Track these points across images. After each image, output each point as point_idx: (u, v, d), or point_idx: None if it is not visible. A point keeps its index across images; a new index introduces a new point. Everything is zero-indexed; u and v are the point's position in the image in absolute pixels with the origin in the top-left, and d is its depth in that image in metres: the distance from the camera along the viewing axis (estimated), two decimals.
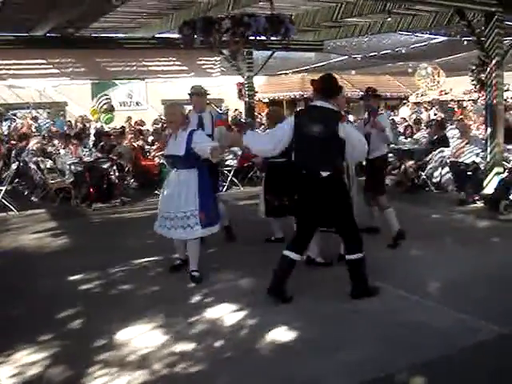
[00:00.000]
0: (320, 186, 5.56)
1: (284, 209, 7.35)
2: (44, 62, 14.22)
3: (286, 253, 5.70)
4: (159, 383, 4.22)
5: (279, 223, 7.89)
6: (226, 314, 5.47)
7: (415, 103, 23.57)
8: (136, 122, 20.24)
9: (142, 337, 5.00)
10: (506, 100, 15.80)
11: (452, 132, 13.64)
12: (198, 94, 7.52)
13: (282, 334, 4.94)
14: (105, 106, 20.04)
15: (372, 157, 7.44)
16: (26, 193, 12.89)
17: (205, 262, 6.81)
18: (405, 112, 22.99)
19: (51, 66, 14.39)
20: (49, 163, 12.57)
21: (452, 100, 23.21)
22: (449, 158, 11.45)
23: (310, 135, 5.53)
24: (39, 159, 12.54)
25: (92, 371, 4.37)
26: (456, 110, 22.09)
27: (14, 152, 14.20)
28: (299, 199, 5.85)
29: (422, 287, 6.07)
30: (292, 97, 26.29)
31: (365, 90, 8.24)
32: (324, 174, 5.51)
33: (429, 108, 22.62)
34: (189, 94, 7.54)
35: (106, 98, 20.88)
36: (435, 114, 21.44)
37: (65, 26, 12.00)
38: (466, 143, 11.27)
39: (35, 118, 21.37)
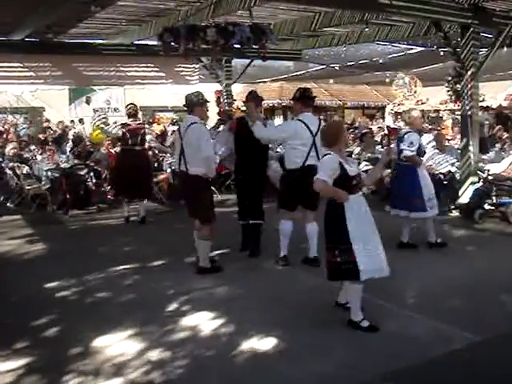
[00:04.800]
0: None
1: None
2: (21, 66, 14.09)
3: None
4: None
5: None
6: (203, 321, 5.47)
7: (398, 112, 23.71)
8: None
9: (118, 345, 4.98)
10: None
11: (427, 138, 13.68)
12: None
13: (258, 343, 4.95)
14: (98, 123, 19.78)
15: None
16: (1, 199, 12.76)
17: (182, 271, 6.81)
18: (389, 120, 23.20)
19: (28, 70, 14.27)
20: (25, 169, 12.48)
21: (429, 110, 23.38)
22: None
23: None
24: (15, 165, 12.44)
25: (67, 380, 4.35)
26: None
27: None
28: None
29: (396, 296, 6.13)
30: (270, 105, 26.34)
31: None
32: None
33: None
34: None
35: (103, 117, 20.63)
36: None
37: (43, 31, 11.90)
38: (440, 155, 11.36)
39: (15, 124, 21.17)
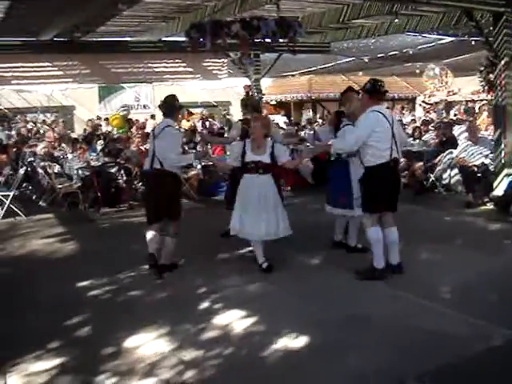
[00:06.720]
0: None
1: None
2: (51, 65, 14.22)
3: None
4: None
5: None
6: (235, 320, 5.43)
7: (430, 104, 23.49)
8: (138, 126, 19.62)
9: (150, 344, 4.97)
10: None
11: (459, 130, 13.47)
12: None
13: (290, 341, 4.90)
14: (122, 113, 19.93)
15: None
16: (34, 197, 12.89)
17: (213, 268, 6.79)
18: (419, 112, 23.15)
19: (58, 70, 14.41)
20: (56, 168, 12.59)
21: (460, 101, 23.11)
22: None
23: None
24: (47, 164, 12.55)
25: (100, 380, 4.35)
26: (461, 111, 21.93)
27: (21, 156, 14.16)
28: None
29: (433, 292, 6.02)
30: (299, 98, 26.26)
31: None
32: None
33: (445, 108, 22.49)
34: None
35: (124, 109, 20.75)
36: (455, 115, 21.18)
37: (71, 31, 11.99)
38: (473, 146, 11.11)
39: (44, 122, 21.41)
